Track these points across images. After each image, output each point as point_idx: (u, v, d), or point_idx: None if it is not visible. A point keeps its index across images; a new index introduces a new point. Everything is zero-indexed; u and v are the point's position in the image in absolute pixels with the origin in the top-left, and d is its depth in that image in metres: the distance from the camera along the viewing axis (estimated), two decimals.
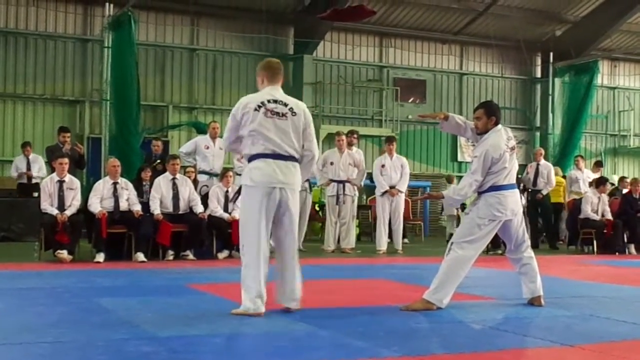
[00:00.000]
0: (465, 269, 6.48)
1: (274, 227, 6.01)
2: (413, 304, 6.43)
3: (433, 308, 6.34)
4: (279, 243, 6.09)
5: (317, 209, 15.54)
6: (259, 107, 5.92)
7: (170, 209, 11.27)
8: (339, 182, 13.30)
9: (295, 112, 6.04)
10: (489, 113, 6.62)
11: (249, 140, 5.93)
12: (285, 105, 6.02)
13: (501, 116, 6.78)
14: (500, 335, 5.53)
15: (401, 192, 13.45)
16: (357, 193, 13.62)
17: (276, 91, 6.09)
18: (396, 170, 13.42)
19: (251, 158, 5.95)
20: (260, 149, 5.90)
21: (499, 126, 6.63)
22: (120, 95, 16.23)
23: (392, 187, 13.36)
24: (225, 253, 11.44)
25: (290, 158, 5.99)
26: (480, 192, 6.55)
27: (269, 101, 5.96)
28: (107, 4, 16.59)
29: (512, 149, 6.61)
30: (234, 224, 11.30)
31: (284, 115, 5.97)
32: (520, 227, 6.68)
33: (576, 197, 15.62)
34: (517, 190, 6.73)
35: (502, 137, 6.56)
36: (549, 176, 15.37)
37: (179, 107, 19.71)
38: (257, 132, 5.89)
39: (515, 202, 6.61)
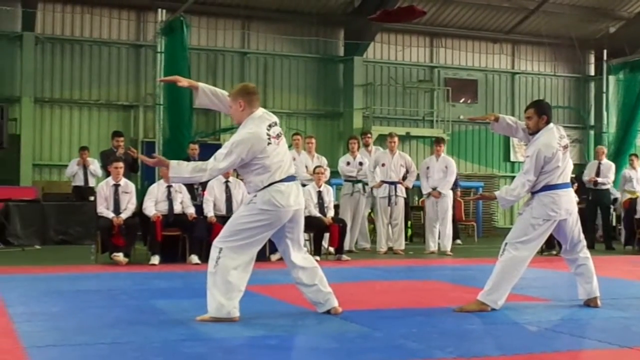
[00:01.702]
0: (520, 270, 6.43)
1: (290, 242, 6.01)
2: (467, 305, 6.39)
3: (487, 309, 6.30)
4: (302, 253, 6.08)
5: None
6: (269, 138, 5.81)
7: (224, 212, 11.32)
8: (390, 183, 13.27)
9: (280, 126, 6.04)
10: (540, 112, 6.56)
11: (269, 171, 5.80)
12: (276, 124, 5.96)
13: (552, 115, 6.72)
14: (556, 337, 5.48)
15: (442, 193, 13.27)
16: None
17: (261, 114, 5.95)
18: (439, 172, 13.32)
19: (272, 183, 5.83)
20: (279, 176, 5.83)
21: (551, 125, 6.56)
22: (173, 99, 16.43)
23: (434, 189, 13.28)
24: (277, 255, 11.47)
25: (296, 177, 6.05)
26: (533, 192, 6.49)
27: (269, 128, 5.85)
28: (159, 10, 16.82)
29: (565, 147, 6.54)
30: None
31: (280, 134, 5.96)
32: (575, 227, 6.60)
33: (630, 196, 15.34)
34: (571, 190, 6.65)
35: (554, 136, 6.49)
36: (610, 174, 15.06)
37: None
38: (276, 163, 5.82)
39: (569, 202, 6.53)
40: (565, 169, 6.54)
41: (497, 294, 6.35)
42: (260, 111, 5.97)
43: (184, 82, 6.12)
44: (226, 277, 5.70)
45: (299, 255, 6.06)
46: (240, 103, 5.90)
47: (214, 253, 5.80)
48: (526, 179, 6.41)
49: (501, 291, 6.37)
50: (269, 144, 5.78)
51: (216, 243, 5.83)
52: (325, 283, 6.07)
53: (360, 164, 13.49)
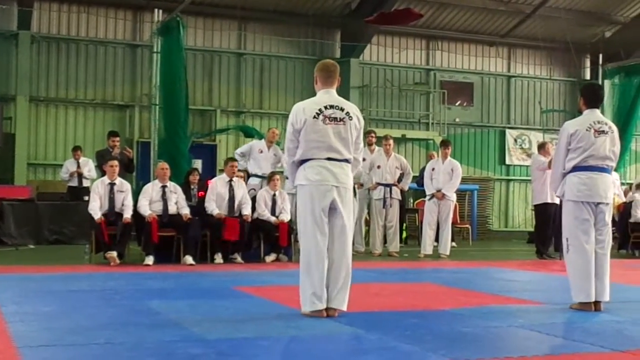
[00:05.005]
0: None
1: (330, 227, 5.99)
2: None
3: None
4: (331, 242, 6.03)
5: None
6: (318, 114, 5.94)
7: (226, 211, 11.29)
8: (385, 185, 13.27)
9: (351, 117, 6.07)
10: (580, 95, 7.22)
11: (306, 146, 5.95)
12: (342, 109, 6.04)
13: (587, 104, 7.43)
14: (548, 340, 5.48)
15: (446, 195, 13.23)
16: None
17: (331, 95, 6.11)
18: (445, 174, 13.25)
19: (306, 160, 5.98)
20: (316, 154, 5.94)
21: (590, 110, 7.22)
22: (169, 99, 16.37)
23: (438, 191, 13.22)
24: (272, 256, 11.49)
25: (344, 160, 6.04)
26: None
27: (326, 107, 5.98)
28: (156, 10, 16.79)
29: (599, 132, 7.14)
30: (281, 226, 11.38)
31: (341, 120, 5.99)
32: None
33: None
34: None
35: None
36: None
37: (227, 111, 19.86)
38: (315, 140, 5.92)
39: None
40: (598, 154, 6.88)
41: None
42: (331, 92, 6.12)
43: None
44: (306, 269, 5.90)
45: (334, 243, 6.01)
46: (315, 77, 6.20)
47: None
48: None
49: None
50: (314, 117, 5.92)
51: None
52: (338, 284, 6.02)
53: None
